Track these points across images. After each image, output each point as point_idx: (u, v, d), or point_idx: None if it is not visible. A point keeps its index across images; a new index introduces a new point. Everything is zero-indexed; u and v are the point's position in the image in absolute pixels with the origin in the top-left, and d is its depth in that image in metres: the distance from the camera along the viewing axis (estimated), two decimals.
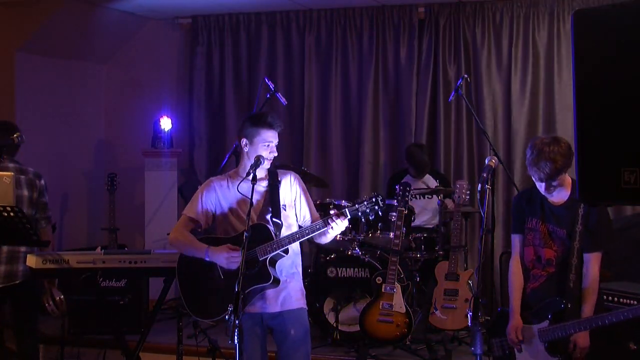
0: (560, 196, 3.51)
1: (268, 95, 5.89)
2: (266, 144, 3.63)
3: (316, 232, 3.57)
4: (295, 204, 3.77)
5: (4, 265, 4.30)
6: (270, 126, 3.64)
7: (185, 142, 7.31)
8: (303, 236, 3.59)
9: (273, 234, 3.59)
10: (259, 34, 7.14)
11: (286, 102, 6.08)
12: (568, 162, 3.35)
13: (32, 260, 4.17)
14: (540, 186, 3.46)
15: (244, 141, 3.65)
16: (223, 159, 6.14)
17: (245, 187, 3.56)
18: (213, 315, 3.66)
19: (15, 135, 4.32)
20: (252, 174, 3.50)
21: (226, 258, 3.52)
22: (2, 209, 3.63)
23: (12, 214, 3.66)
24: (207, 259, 3.58)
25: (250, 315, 3.58)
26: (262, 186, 3.70)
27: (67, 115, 7.08)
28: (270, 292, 3.63)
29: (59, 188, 6.81)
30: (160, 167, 6.96)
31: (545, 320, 3.47)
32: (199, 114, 7.30)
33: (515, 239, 3.68)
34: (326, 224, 3.53)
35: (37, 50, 6.65)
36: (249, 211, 3.41)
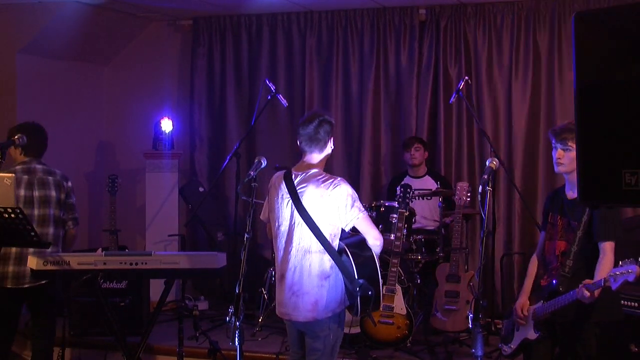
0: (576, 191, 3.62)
1: (269, 97, 5.89)
2: None
3: None
4: None
5: (24, 266, 4.32)
6: None
7: (186, 143, 7.31)
8: None
9: None
10: (260, 35, 7.13)
11: (287, 104, 6.08)
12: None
13: (32, 262, 4.17)
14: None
15: (332, 140, 3.76)
16: (224, 161, 6.14)
17: None
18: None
19: (16, 137, 4.32)
20: (253, 176, 3.50)
21: None
22: (2, 210, 3.63)
23: (12, 215, 3.65)
24: None
25: None
26: None
27: (68, 117, 7.07)
28: None
29: None
30: (161, 168, 6.96)
31: (540, 301, 3.65)
32: (200, 116, 7.30)
33: (541, 235, 3.89)
34: None
35: (38, 51, 6.65)
36: (251, 212, 3.41)
